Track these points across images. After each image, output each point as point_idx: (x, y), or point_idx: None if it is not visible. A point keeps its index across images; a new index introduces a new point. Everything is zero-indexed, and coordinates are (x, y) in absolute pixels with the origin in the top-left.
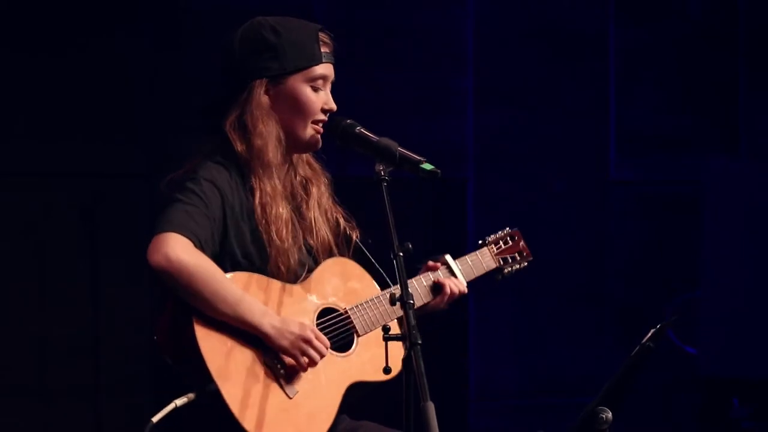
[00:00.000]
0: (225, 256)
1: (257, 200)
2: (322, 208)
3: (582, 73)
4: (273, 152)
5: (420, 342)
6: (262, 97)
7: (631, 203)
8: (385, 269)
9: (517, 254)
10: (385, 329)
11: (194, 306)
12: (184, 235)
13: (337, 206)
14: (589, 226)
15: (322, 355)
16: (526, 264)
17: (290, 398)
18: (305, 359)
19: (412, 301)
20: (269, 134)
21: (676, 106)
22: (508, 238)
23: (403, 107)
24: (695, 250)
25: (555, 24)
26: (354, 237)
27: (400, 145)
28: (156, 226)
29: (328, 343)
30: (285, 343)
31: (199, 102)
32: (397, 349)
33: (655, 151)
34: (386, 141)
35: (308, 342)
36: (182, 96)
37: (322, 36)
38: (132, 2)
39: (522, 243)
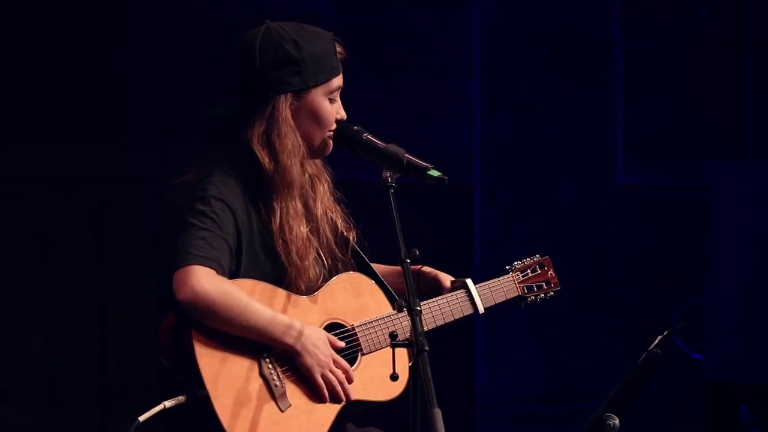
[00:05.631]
0: (239, 270)
1: (277, 220)
2: (324, 207)
3: (589, 79)
4: (297, 169)
5: (427, 349)
6: (287, 112)
7: (637, 208)
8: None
9: (543, 283)
10: (392, 336)
11: (227, 332)
12: (205, 266)
13: (337, 206)
14: (596, 231)
15: (340, 382)
16: (552, 293)
17: (282, 411)
18: (326, 389)
19: (419, 308)
20: (296, 151)
21: (682, 112)
22: (537, 266)
23: (410, 113)
24: (702, 255)
25: (562, 29)
26: (351, 238)
27: (407, 152)
28: (176, 258)
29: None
30: (312, 363)
31: (211, 110)
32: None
33: (662, 156)
34: (393, 148)
35: (332, 371)
36: (190, 101)
37: (335, 46)
38: (139, 8)
39: (551, 272)
